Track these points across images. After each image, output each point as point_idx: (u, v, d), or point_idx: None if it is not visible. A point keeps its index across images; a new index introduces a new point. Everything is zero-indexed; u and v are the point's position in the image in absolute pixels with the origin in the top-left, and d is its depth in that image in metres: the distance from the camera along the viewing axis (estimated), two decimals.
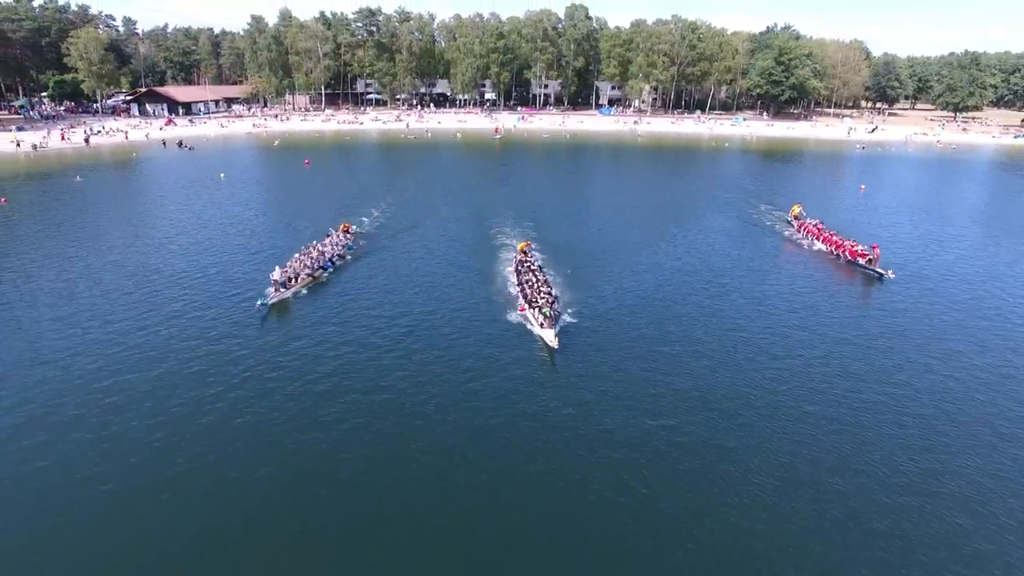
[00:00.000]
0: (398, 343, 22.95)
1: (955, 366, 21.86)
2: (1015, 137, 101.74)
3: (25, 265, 30.96)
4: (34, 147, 72.00)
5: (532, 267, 28.61)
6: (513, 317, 24.96)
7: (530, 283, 26.43)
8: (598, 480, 15.41)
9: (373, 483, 15.48)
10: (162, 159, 69.23)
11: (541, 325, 22.97)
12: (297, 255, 29.71)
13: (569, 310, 25.40)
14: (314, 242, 32.00)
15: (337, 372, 20.58)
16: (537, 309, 23.76)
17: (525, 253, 31.05)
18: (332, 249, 31.95)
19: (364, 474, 15.77)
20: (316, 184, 55.67)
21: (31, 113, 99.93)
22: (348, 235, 35.18)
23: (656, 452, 16.49)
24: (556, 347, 21.84)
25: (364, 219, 40.99)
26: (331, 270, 30.34)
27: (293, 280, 27.34)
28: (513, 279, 28.87)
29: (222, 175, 56.17)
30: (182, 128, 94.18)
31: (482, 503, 14.82)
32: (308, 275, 28.38)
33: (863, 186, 57.79)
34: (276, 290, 26.07)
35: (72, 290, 27.61)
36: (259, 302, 25.06)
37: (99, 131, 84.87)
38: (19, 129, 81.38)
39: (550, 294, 25.04)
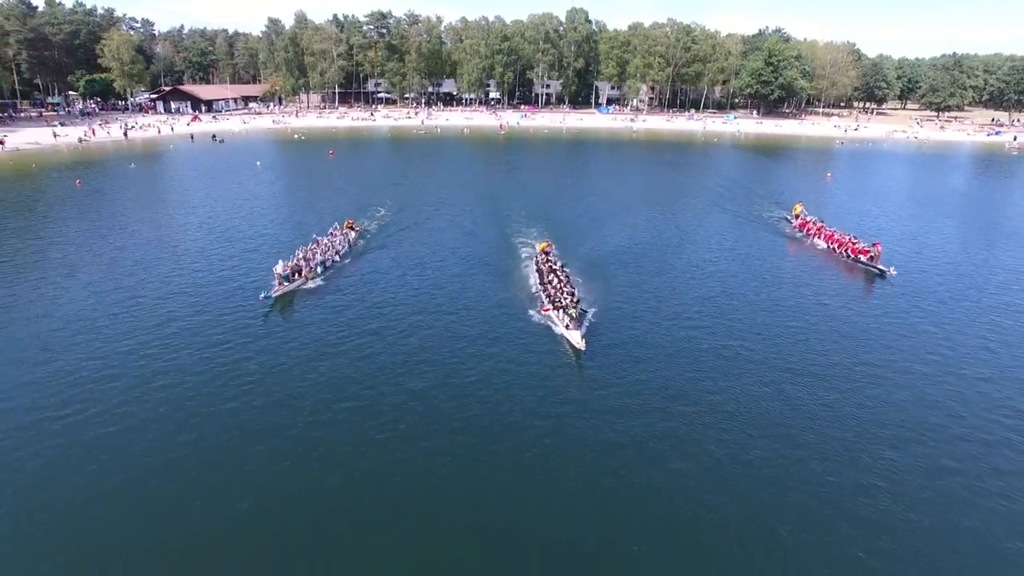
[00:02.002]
0: (408, 340, 22.44)
1: (959, 361, 21.90)
2: (988, 135, 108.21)
3: (89, 240, 36.05)
4: (80, 139, 78.95)
5: (554, 267, 27.99)
6: (535, 317, 24.51)
7: (553, 283, 25.96)
8: (629, 487, 15.07)
9: (382, 484, 15.04)
10: (197, 150, 75.92)
11: (567, 326, 22.42)
12: (301, 250, 29.72)
13: (590, 310, 24.90)
14: (318, 237, 32.35)
15: (340, 369, 20.24)
16: (562, 310, 23.25)
17: (546, 253, 30.32)
18: (336, 245, 32.08)
19: (372, 473, 15.39)
20: (342, 172, 62.36)
21: (68, 110, 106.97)
22: (353, 232, 35.42)
23: (690, 458, 16.14)
24: (583, 348, 21.32)
25: (382, 207, 43.34)
26: (332, 266, 30.18)
27: (297, 275, 27.32)
28: (533, 279, 28.57)
29: (258, 163, 63.07)
30: (207, 124, 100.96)
31: (504, 506, 14.43)
32: (312, 269, 28.45)
33: (829, 174, 64.74)
34: (280, 284, 26.12)
35: (116, 269, 29.70)
36: (263, 295, 25.30)
37: (133, 126, 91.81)
38: (62, 124, 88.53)
39: (573, 294, 24.46)
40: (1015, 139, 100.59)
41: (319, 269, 28.91)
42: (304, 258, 28.73)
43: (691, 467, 15.80)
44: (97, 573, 12.49)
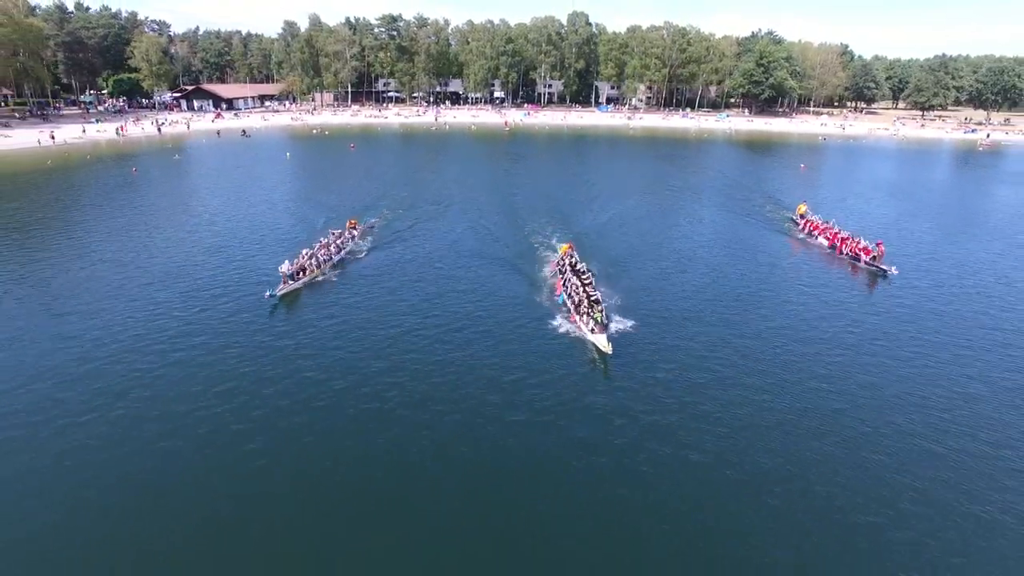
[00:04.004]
0: (415, 341, 22.21)
1: (957, 358, 22.45)
2: (964, 133, 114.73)
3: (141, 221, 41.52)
4: (117, 133, 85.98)
5: (577, 268, 27.63)
6: (557, 320, 24.27)
7: (576, 286, 25.55)
8: (655, 496, 14.85)
9: (389, 484, 14.98)
10: (228, 145, 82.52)
11: (592, 330, 22.09)
12: (305, 249, 30.20)
13: (614, 313, 24.81)
14: (321, 237, 32.92)
15: (344, 369, 20.20)
16: (586, 313, 22.91)
17: (568, 255, 29.82)
18: (339, 244, 32.67)
19: (378, 473, 15.38)
20: (363, 162, 68.92)
21: (98, 108, 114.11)
22: (355, 231, 35.96)
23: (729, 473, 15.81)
24: (609, 352, 20.90)
25: (400, 195, 46.62)
26: (337, 265, 30.89)
27: (301, 273, 27.91)
28: (554, 280, 28.51)
29: (287, 154, 69.95)
30: (230, 121, 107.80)
31: (524, 516, 14.14)
32: (316, 268, 28.95)
33: (803, 165, 71.58)
34: (285, 282, 26.69)
35: (144, 261, 31.22)
36: (268, 293, 25.85)
37: (164, 122, 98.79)
38: (98, 121, 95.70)
39: (597, 297, 24.19)
40: (988, 136, 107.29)
41: (324, 268, 29.70)
42: (309, 256, 29.38)
43: (719, 477, 15.63)
44: (99, 571, 12.64)
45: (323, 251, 30.80)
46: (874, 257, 32.45)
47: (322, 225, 37.08)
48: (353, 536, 13.54)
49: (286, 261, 27.95)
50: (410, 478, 15.29)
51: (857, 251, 33.74)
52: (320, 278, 29.06)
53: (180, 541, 13.25)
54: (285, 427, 17.11)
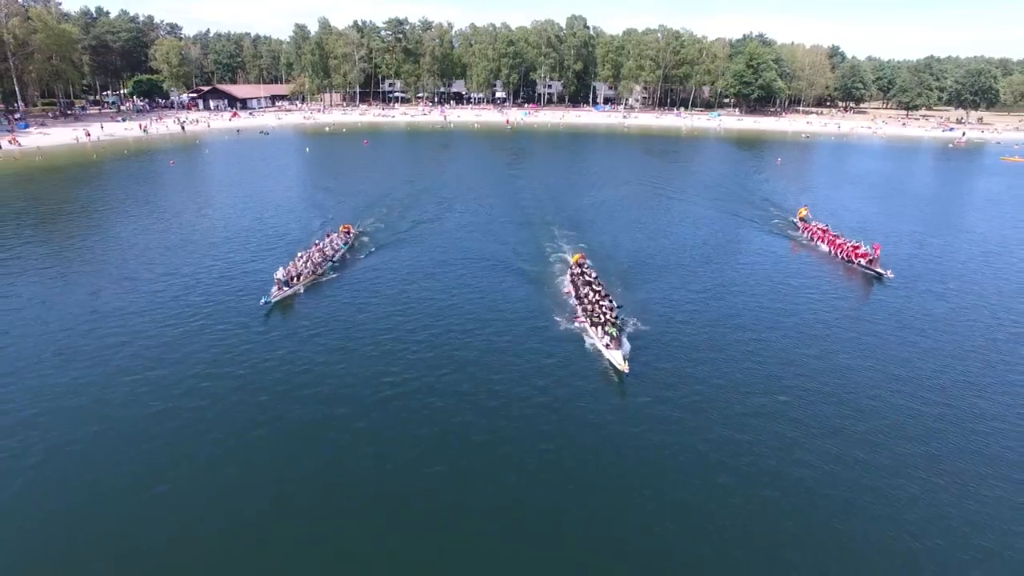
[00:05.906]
0: (416, 350, 21.75)
1: (947, 358, 22.52)
2: (943, 131, 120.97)
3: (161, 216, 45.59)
4: (144, 130, 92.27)
5: (590, 280, 26.79)
6: (569, 333, 23.56)
7: (589, 298, 24.72)
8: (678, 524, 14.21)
9: (385, 499, 14.67)
10: (247, 141, 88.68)
11: (607, 345, 21.16)
12: (299, 254, 30.32)
13: (630, 321, 24.11)
14: (316, 241, 33.12)
15: (335, 378, 19.85)
16: (600, 327, 22.13)
17: (580, 266, 29.02)
18: (332, 249, 32.68)
19: (371, 490, 15.01)
20: (378, 156, 75.24)
21: (122, 108, 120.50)
22: (348, 235, 35.94)
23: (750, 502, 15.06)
24: (626, 371, 19.89)
25: (408, 187, 49.54)
26: (332, 268, 30.83)
27: (296, 279, 28.03)
28: (566, 289, 27.83)
29: (307, 149, 76.15)
30: (246, 120, 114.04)
31: (527, 539, 13.69)
32: (310, 274, 29.00)
33: (779, 159, 77.74)
34: (279, 288, 26.76)
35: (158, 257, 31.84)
36: (263, 300, 25.67)
37: (186, 120, 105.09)
38: (124, 119, 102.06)
39: (612, 308, 23.53)
40: (963, 135, 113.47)
41: (319, 272, 29.74)
42: (303, 262, 29.60)
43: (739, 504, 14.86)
44: (97, 570, 12.73)
45: (317, 255, 30.85)
46: (871, 260, 32.79)
47: (320, 227, 37.34)
48: (351, 541, 13.54)
49: (280, 267, 28.25)
50: (409, 492, 14.89)
51: (855, 255, 34.06)
52: (316, 283, 28.96)
53: (175, 541, 13.43)
54: (280, 434, 17.01)
